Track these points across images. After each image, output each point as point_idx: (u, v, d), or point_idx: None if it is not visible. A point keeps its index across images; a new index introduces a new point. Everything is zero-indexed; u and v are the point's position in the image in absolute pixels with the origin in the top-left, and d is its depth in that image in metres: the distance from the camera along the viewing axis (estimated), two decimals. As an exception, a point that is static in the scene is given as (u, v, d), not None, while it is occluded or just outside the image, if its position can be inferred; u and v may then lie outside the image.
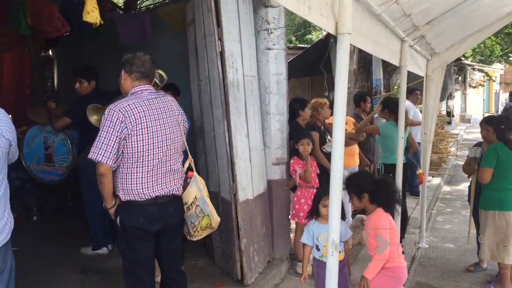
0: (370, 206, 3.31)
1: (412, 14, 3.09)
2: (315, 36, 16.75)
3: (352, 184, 3.37)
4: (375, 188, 3.28)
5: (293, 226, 5.04)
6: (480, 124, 4.91)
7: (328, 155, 5.15)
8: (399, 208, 3.48)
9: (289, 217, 4.82)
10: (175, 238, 3.13)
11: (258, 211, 4.37)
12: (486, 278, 4.89)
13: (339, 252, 3.45)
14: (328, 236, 1.95)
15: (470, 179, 5.16)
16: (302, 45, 13.05)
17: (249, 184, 4.22)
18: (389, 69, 9.32)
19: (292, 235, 5.07)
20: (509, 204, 4.41)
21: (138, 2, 6.38)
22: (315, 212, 3.49)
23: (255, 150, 4.35)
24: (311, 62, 9.01)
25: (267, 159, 4.59)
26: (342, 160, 1.99)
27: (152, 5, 5.93)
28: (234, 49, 4.03)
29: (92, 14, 2.99)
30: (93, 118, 4.07)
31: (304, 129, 4.97)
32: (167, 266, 3.16)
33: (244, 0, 4.23)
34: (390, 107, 5.31)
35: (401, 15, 2.97)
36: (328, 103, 5.47)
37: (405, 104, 4.47)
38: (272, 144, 4.58)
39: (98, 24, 3.07)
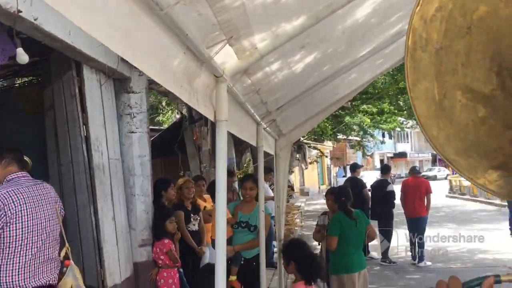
0: (297, 274, 3.41)
1: (268, 102, 3.54)
2: (165, 118, 17.12)
3: (284, 249, 3.56)
4: (300, 259, 3.37)
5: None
6: (326, 194, 5.51)
7: (192, 233, 5.28)
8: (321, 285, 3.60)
9: (157, 299, 4.74)
10: None
11: (125, 296, 4.26)
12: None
13: None
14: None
15: (320, 245, 5.65)
16: (153, 127, 13.25)
17: (116, 268, 4.13)
18: (240, 149, 9.94)
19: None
20: (353, 267, 4.89)
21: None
22: None
23: (121, 233, 4.31)
24: (164, 143, 9.23)
25: (132, 241, 4.56)
26: (225, 237, 2.15)
27: (6, 86, 5.65)
28: (99, 133, 4.08)
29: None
30: None
31: (169, 209, 5.06)
32: None
33: (107, 86, 4.36)
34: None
35: (259, 102, 3.40)
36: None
37: (263, 180, 4.87)
38: (137, 225, 4.58)
39: None
